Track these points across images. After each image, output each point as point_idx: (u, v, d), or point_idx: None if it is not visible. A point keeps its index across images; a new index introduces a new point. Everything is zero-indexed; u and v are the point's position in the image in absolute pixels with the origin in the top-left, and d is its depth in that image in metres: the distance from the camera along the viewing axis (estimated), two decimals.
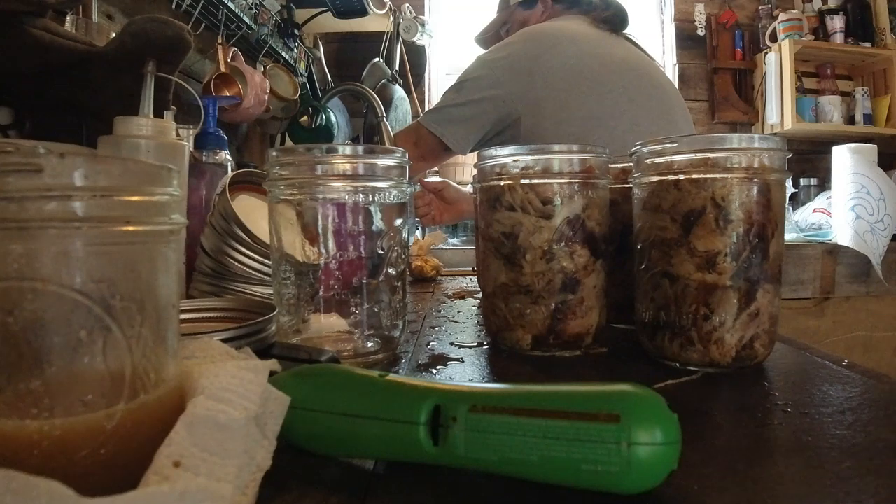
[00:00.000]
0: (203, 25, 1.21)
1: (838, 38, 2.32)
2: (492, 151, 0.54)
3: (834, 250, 1.82)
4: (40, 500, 0.19)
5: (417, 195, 1.32)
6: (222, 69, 1.25)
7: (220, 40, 1.25)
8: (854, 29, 2.33)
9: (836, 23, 2.31)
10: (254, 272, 0.61)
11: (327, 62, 2.05)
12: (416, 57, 2.27)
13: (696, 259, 0.46)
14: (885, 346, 1.84)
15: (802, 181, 2.33)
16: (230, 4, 1.22)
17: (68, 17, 0.78)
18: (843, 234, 1.82)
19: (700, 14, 2.47)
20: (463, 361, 0.52)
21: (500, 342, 0.56)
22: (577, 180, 0.52)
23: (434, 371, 0.49)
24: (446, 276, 1.20)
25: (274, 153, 0.50)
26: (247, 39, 1.37)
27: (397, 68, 2.04)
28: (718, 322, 0.46)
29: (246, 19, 1.31)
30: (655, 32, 2.55)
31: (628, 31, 1.21)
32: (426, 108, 2.01)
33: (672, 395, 0.29)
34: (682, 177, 0.47)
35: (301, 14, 1.63)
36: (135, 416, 0.24)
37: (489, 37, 1.34)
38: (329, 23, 1.80)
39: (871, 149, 1.87)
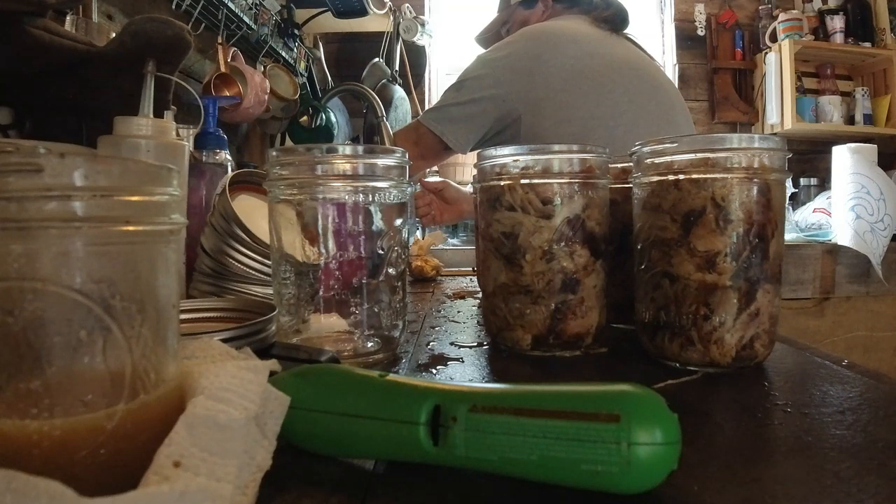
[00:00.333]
0: (203, 25, 1.21)
1: (838, 38, 2.31)
2: (492, 151, 0.54)
3: (834, 250, 1.82)
4: (40, 500, 0.19)
5: (417, 195, 1.32)
6: (222, 69, 1.25)
7: (220, 40, 1.25)
8: (854, 29, 2.33)
9: (836, 23, 2.31)
10: (254, 272, 0.61)
11: (327, 62, 2.05)
12: (416, 57, 2.27)
13: (696, 259, 0.46)
14: (885, 346, 1.84)
15: (802, 181, 2.33)
16: (230, 4, 1.22)
17: (68, 17, 0.78)
18: (843, 234, 1.82)
19: (700, 14, 2.47)
20: (463, 361, 0.52)
21: (500, 342, 0.56)
22: (577, 180, 0.52)
23: (434, 371, 0.49)
24: (446, 276, 1.20)
25: (274, 153, 0.50)
26: (247, 39, 1.37)
27: (397, 68, 2.04)
28: (718, 322, 0.46)
29: (246, 19, 1.31)
30: (655, 32, 2.55)
31: (629, 30, 1.21)
32: (426, 108, 2.01)
33: (672, 395, 0.29)
34: (682, 177, 0.47)
35: (301, 14, 1.63)
36: (135, 416, 0.24)
37: (489, 36, 1.34)
38: (329, 23, 1.80)
39: (871, 149, 1.87)
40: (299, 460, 0.31)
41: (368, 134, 1.74)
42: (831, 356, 0.50)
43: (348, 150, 0.49)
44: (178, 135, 0.66)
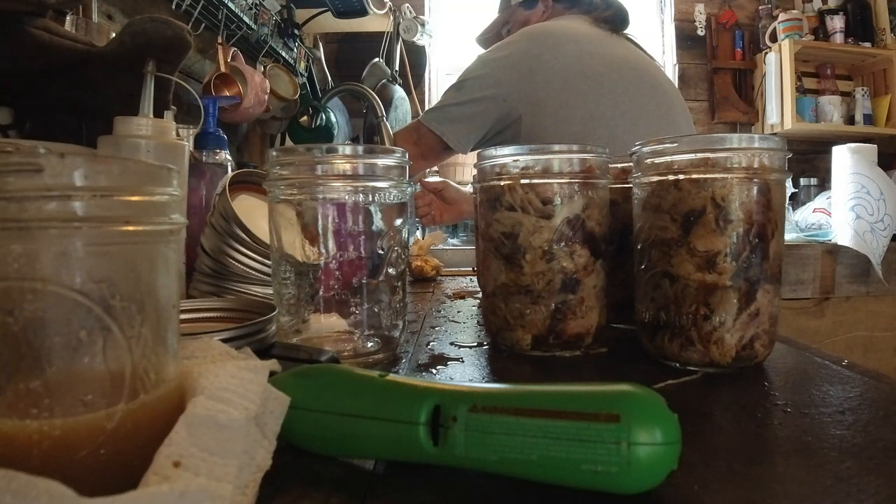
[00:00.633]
0: (203, 25, 1.21)
1: (838, 38, 2.31)
2: (492, 151, 0.54)
3: (834, 250, 1.82)
4: (40, 500, 0.19)
5: (418, 195, 1.32)
6: (222, 69, 1.25)
7: (220, 40, 1.25)
8: (854, 29, 2.33)
9: (836, 23, 2.31)
10: (254, 272, 0.61)
11: (327, 62, 2.05)
12: (416, 57, 2.27)
13: (696, 259, 0.46)
14: (885, 346, 1.84)
15: (802, 181, 2.33)
16: (230, 4, 1.22)
17: (68, 17, 0.78)
18: (843, 234, 1.82)
19: (700, 14, 2.47)
20: (463, 361, 0.52)
21: (500, 342, 0.56)
22: (577, 180, 0.52)
23: (434, 371, 0.49)
24: (446, 276, 1.20)
25: (274, 153, 0.50)
26: (247, 39, 1.37)
27: (397, 68, 2.04)
28: (718, 322, 0.46)
29: (246, 19, 1.31)
30: (655, 32, 2.55)
31: (629, 31, 1.21)
32: (426, 108, 2.01)
33: (672, 395, 0.29)
34: (682, 177, 0.47)
35: (301, 14, 1.63)
36: (135, 416, 0.24)
37: (490, 37, 1.34)
38: (329, 23, 1.80)
39: (871, 149, 1.87)
40: (299, 460, 0.31)
41: (368, 134, 1.74)
42: (831, 356, 0.50)
43: (348, 150, 0.49)
44: (178, 135, 0.66)
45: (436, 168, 2.06)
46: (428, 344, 0.58)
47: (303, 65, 1.70)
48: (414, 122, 1.23)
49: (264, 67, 1.45)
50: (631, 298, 0.54)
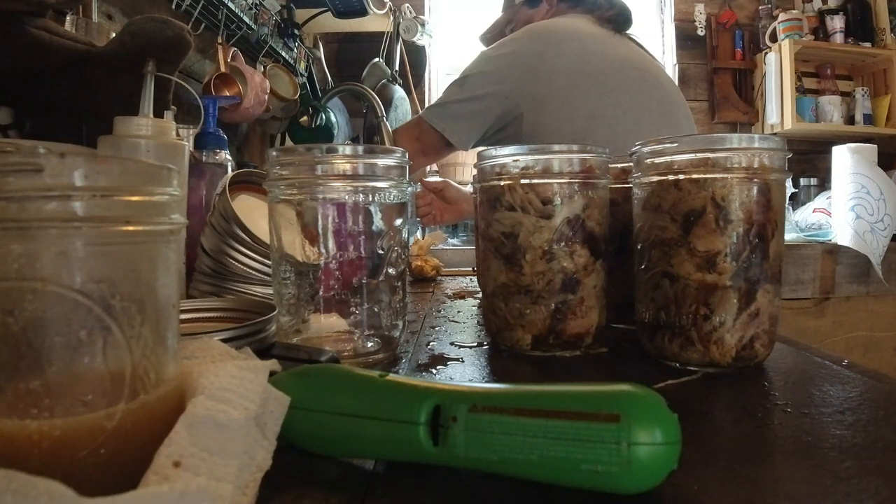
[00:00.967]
0: (203, 25, 1.20)
1: (838, 38, 2.31)
2: (492, 151, 0.54)
3: (834, 250, 1.82)
4: (40, 500, 0.19)
5: (418, 195, 1.32)
6: (222, 69, 1.25)
7: (220, 40, 1.25)
8: (854, 29, 2.33)
9: (836, 23, 2.31)
10: (254, 272, 0.61)
11: (327, 62, 2.05)
12: (416, 57, 2.27)
13: (696, 259, 0.46)
14: (885, 346, 1.84)
15: (802, 181, 2.33)
16: (230, 4, 1.22)
17: (68, 17, 0.78)
18: (843, 234, 1.82)
19: (700, 14, 2.47)
20: (463, 361, 0.52)
21: (500, 342, 0.56)
22: (577, 180, 0.52)
23: (434, 371, 0.49)
24: (446, 276, 1.20)
25: (274, 153, 0.50)
26: (247, 39, 1.37)
27: (397, 68, 2.04)
28: (718, 322, 0.46)
29: (246, 19, 1.31)
30: (655, 32, 2.55)
31: (631, 30, 1.21)
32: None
33: (672, 395, 0.29)
34: (682, 177, 0.47)
35: (301, 14, 1.63)
36: (135, 416, 0.24)
37: (493, 35, 1.34)
38: (329, 23, 1.80)
39: (871, 149, 1.87)
40: (299, 460, 0.31)
41: (368, 134, 1.74)
42: (831, 356, 0.50)
43: (348, 150, 0.49)
44: (178, 135, 0.66)
45: (436, 167, 2.06)
46: (428, 344, 0.58)
47: (303, 65, 1.70)
48: (415, 119, 1.22)
49: (264, 67, 1.45)
50: (631, 298, 0.54)
